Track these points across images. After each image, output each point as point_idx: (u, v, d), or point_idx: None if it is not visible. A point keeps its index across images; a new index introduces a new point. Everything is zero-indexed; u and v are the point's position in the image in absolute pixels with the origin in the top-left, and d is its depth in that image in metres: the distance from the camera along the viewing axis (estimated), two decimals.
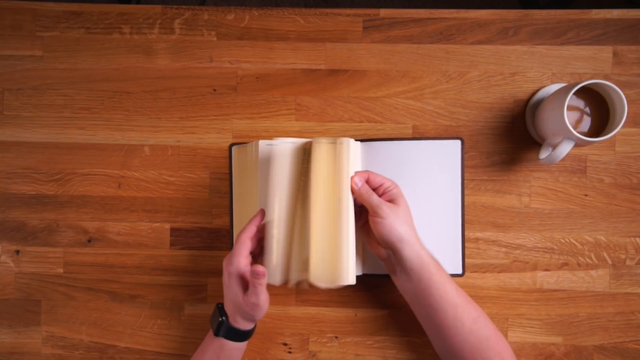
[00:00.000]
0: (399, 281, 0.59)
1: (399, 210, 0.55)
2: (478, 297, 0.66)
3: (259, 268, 0.52)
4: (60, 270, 0.69)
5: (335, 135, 0.68)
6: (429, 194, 0.65)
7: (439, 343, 0.58)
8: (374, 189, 0.58)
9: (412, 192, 0.61)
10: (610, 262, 0.66)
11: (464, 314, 0.55)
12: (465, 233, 0.67)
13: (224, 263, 0.56)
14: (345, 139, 0.57)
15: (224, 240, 0.68)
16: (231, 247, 0.68)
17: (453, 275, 0.62)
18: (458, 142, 0.65)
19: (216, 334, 0.57)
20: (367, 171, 0.58)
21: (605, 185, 0.66)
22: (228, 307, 0.58)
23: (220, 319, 0.57)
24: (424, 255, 0.55)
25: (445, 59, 0.67)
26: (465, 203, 0.67)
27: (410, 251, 0.55)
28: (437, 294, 0.55)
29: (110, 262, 0.69)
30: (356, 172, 0.58)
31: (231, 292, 0.56)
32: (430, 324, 0.58)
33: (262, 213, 0.58)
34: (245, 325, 0.58)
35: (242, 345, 0.59)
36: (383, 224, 0.55)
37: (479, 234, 0.67)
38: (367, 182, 0.58)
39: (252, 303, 0.55)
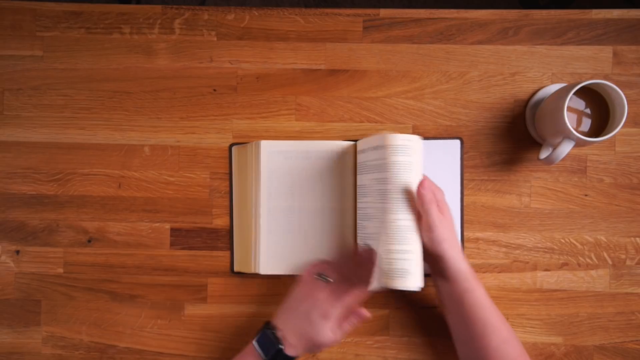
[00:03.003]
0: (437, 282, 0.60)
1: (445, 222, 0.55)
2: None
3: (367, 314, 0.58)
4: (60, 270, 0.69)
5: (335, 135, 0.68)
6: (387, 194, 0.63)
7: (466, 352, 0.58)
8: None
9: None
10: (610, 262, 0.66)
11: (494, 333, 0.55)
12: (465, 233, 0.67)
13: (328, 309, 0.55)
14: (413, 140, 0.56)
15: (224, 240, 0.68)
16: (231, 247, 0.68)
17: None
18: (457, 142, 0.65)
19: (269, 359, 0.56)
20: (423, 175, 0.58)
21: (605, 185, 0.66)
22: (290, 334, 0.56)
23: (278, 347, 0.55)
24: (464, 269, 0.55)
25: (445, 59, 0.67)
26: (465, 203, 0.67)
27: (453, 263, 0.55)
28: (471, 308, 0.55)
29: (110, 262, 0.69)
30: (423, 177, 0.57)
31: (317, 332, 0.55)
32: (459, 333, 0.58)
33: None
34: (299, 354, 0.57)
35: None
36: (431, 236, 0.55)
37: (479, 234, 0.67)
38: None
39: (335, 340, 0.56)
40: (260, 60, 0.68)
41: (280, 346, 0.55)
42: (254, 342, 0.56)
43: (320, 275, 0.58)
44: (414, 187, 0.55)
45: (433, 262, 0.58)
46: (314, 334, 0.55)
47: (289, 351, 0.56)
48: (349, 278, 0.58)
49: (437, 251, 0.55)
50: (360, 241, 0.64)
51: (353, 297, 0.57)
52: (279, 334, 0.56)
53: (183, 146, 0.69)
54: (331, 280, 0.58)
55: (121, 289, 0.69)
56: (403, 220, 0.55)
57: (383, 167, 0.55)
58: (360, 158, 0.62)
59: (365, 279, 0.56)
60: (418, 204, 0.55)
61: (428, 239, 0.55)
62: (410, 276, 0.54)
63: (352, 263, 0.61)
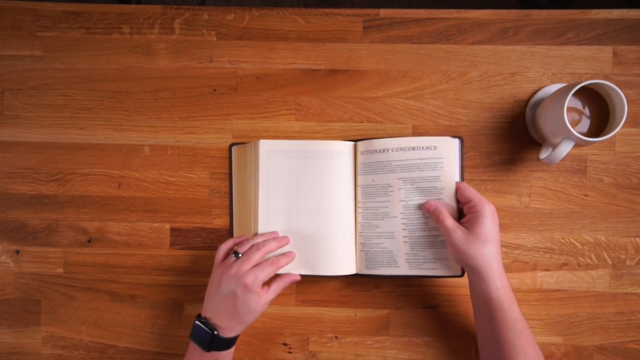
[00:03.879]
0: (471, 294, 0.59)
1: (470, 239, 0.54)
2: None
3: (296, 276, 0.61)
4: (60, 270, 0.69)
5: (335, 135, 0.68)
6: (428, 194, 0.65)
7: None
8: (464, 203, 0.58)
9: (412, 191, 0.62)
10: (610, 262, 0.66)
11: (521, 355, 0.54)
12: None
13: (245, 278, 0.56)
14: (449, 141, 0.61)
15: (223, 240, 0.68)
16: None
17: (452, 277, 0.62)
18: (457, 141, 0.64)
19: (209, 349, 0.56)
20: (461, 183, 0.59)
21: (605, 185, 0.66)
22: (221, 319, 0.56)
23: (212, 333, 0.56)
24: (492, 290, 0.54)
25: (445, 59, 0.67)
26: None
27: (479, 282, 0.54)
28: (501, 327, 0.54)
29: (110, 262, 0.69)
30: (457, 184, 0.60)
31: (243, 303, 0.55)
32: (485, 345, 0.58)
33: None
34: (237, 332, 0.57)
35: (232, 350, 0.59)
36: (453, 251, 0.56)
37: None
38: (457, 193, 0.59)
39: (265, 303, 0.57)
40: (260, 60, 0.68)
41: (214, 332, 0.56)
42: (190, 338, 0.57)
43: (232, 252, 0.59)
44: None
45: (468, 272, 0.57)
46: (241, 307, 0.56)
47: (224, 333, 0.56)
48: (259, 246, 0.59)
49: (462, 264, 0.56)
50: (365, 240, 0.64)
51: (273, 260, 0.59)
52: (210, 321, 0.57)
53: (183, 146, 0.69)
54: (240, 254, 0.58)
55: (121, 289, 0.69)
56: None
57: (428, 166, 0.61)
58: (380, 157, 0.62)
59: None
60: (434, 221, 0.59)
61: (451, 251, 0.57)
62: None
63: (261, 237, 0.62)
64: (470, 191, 0.57)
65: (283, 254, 0.61)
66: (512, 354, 0.54)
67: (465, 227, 0.56)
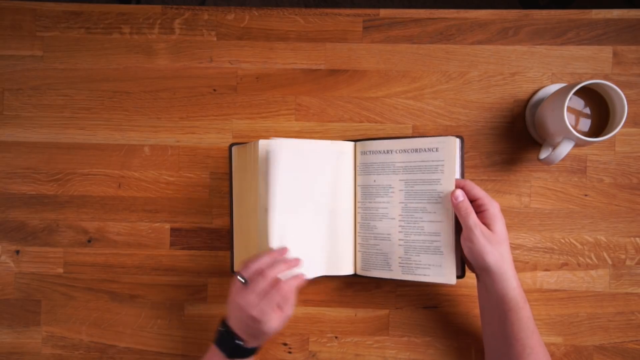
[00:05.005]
0: (480, 293, 0.59)
1: (492, 238, 0.54)
2: None
3: (303, 280, 0.57)
4: (60, 270, 0.69)
5: (335, 135, 0.68)
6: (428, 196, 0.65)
7: None
8: (471, 201, 0.56)
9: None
10: (610, 262, 0.66)
11: (531, 356, 0.54)
12: None
13: (252, 311, 0.53)
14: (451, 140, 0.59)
15: (224, 240, 0.68)
16: (231, 247, 0.68)
17: (445, 284, 0.63)
18: (457, 141, 0.64)
19: (230, 356, 0.55)
20: (465, 180, 0.57)
21: (605, 185, 0.66)
22: (241, 333, 0.55)
23: (237, 343, 0.54)
24: (509, 289, 0.54)
25: (445, 59, 0.67)
26: None
27: (495, 282, 0.54)
28: (512, 328, 0.54)
29: (110, 262, 0.69)
30: (456, 180, 0.57)
31: (257, 330, 0.54)
32: (494, 345, 0.57)
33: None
34: (257, 344, 0.56)
35: (253, 359, 0.57)
36: (472, 249, 0.54)
37: None
38: (462, 190, 0.57)
39: (285, 319, 0.55)
40: (260, 60, 0.68)
41: (238, 342, 0.55)
42: (214, 344, 0.56)
43: (238, 275, 0.56)
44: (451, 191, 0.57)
45: (479, 274, 0.57)
46: (254, 331, 0.54)
47: (247, 344, 0.55)
48: (265, 273, 0.55)
49: (476, 265, 0.55)
50: (363, 241, 0.64)
51: (280, 287, 0.55)
52: (233, 330, 0.55)
53: (183, 146, 0.69)
54: (244, 281, 0.55)
55: (121, 289, 0.69)
56: (438, 223, 0.59)
57: (429, 169, 0.59)
58: (380, 158, 0.62)
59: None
60: (455, 213, 0.56)
61: (465, 251, 0.55)
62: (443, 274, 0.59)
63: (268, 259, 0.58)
64: (477, 189, 0.56)
65: (293, 277, 0.57)
66: (523, 354, 0.54)
67: None
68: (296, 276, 0.57)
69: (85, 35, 0.69)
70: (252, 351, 0.56)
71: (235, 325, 0.55)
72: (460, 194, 0.56)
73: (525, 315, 0.54)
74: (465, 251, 0.56)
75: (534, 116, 0.65)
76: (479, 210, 0.56)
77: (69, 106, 0.69)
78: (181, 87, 0.69)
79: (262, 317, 0.53)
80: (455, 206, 0.56)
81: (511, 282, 0.54)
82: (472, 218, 0.54)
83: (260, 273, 0.55)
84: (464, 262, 0.60)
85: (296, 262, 0.58)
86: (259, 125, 0.68)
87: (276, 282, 0.55)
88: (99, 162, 0.69)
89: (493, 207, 0.55)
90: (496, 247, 0.53)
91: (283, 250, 0.58)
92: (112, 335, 0.69)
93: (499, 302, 0.54)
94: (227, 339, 0.55)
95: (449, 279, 0.58)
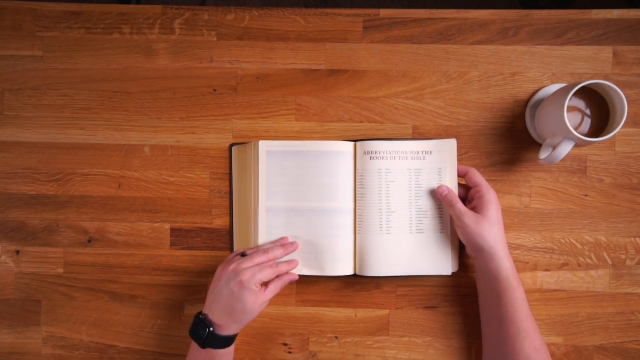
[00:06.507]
0: (477, 277, 0.62)
1: (481, 221, 0.57)
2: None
3: (294, 276, 0.61)
4: (60, 270, 0.69)
5: (335, 135, 0.68)
6: (427, 193, 0.65)
7: (492, 352, 0.59)
8: (471, 187, 0.61)
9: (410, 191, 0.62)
10: (610, 262, 0.66)
11: (526, 339, 0.55)
12: None
13: (242, 275, 0.55)
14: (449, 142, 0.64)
15: (224, 240, 0.68)
16: (231, 247, 0.68)
17: (442, 276, 0.65)
18: (453, 142, 0.64)
19: (203, 346, 0.56)
20: (469, 167, 0.62)
21: (605, 185, 0.66)
22: (217, 316, 0.56)
23: (207, 330, 0.56)
24: (502, 269, 0.57)
25: (445, 59, 0.67)
26: None
27: (489, 262, 0.57)
28: (508, 309, 0.56)
29: (110, 262, 0.69)
30: (461, 166, 0.63)
31: (238, 300, 0.55)
32: (490, 331, 0.59)
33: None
34: (234, 331, 0.57)
35: (231, 349, 0.59)
36: (463, 233, 0.59)
37: None
38: (465, 177, 0.62)
39: (262, 301, 0.57)
40: (260, 60, 0.68)
41: (210, 328, 0.56)
42: (188, 334, 0.58)
43: (239, 254, 0.59)
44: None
45: (475, 256, 0.60)
46: (236, 304, 0.55)
47: (220, 330, 0.56)
48: (267, 249, 0.60)
49: (470, 247, 0.59)
50: (362, 241, 0.64)
51: (275, 265, 0.59)
52: (207, 318, 0.57)
53: (183, 146, 0.69)
54: (247, 253, 0.59)
55: (121, 289, 0.69)
56: (435, 219, 0.64)
57: (427, 171, 0.63)
58: (380, 159, 0.63)
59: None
60: (445, 205, 0.61)
61: (461, 234, 0.60)
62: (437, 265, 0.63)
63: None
64: (478, 177, 0.60)
65: (286, 261, 0.62)
66: (518, 337, 0.55)
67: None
68: (291, 261, 0.62)
69: (85, 35, 0.69)
70: (225, 340, 0.57)
71: (212, 305, 0.57)
72: (444, 188, 0.61)
73: (519, 297, 0.56)
74: (460, 236, 0.60)
75: (534, 116, 0.65)
76: (477, 196, 0.60)
77: (69, 106, 0.69)
78: (181, 87, 0.69)
79: (249, 284, 0.55)
80: (442, 199, 0.61)
81: (504, 262, 0.57)
82: (458, 207, 0.59)
83: (262, 250, 0.59)
84: (460, 254, 0.64)
85: (294, 246, 0.63)
86: (259, 125, 0.68)
87: (274, 262, 0.59)
88: (99, 162, 0.69)
89: (489, 194, 0.59)
90: (488, 228, 0.57)
91: (283, 239, 0.63)
92: (112, 335, 0.69)
93: (493, 282, 0.57)
94: (200, 326, 0.56)
95: (446, 270, 0.64)
